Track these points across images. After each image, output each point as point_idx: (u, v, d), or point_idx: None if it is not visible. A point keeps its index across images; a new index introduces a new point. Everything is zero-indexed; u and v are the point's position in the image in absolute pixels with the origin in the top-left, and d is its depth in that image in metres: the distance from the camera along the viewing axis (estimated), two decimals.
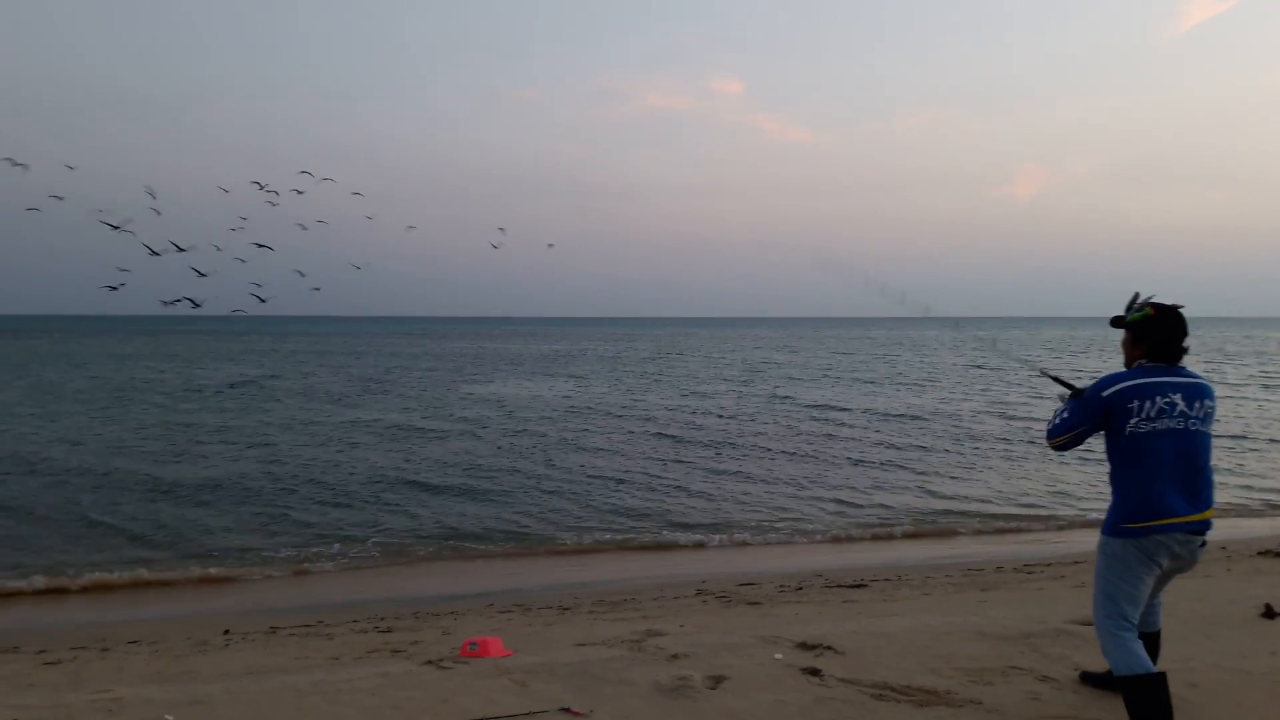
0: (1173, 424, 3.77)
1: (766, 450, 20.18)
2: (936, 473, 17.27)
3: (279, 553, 11.39)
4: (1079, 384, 4.12)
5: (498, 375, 45.64)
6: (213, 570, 10.64)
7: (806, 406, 29.20)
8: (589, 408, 29.33)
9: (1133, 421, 3.77)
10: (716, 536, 12.51)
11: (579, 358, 63.44)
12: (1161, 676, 3.75)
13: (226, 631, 7.60)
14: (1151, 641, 4.20)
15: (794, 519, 13.59)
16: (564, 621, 7.23)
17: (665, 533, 12.69)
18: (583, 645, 5.60)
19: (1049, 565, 9.61)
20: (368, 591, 9.79)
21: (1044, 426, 4.21)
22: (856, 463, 18.50)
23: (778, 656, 5.11)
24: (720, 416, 26.59)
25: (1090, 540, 4.13)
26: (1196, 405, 3.81)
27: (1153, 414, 3.76)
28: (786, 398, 32.22)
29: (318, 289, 18.97)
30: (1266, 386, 36.40)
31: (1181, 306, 3.94)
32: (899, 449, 20.27)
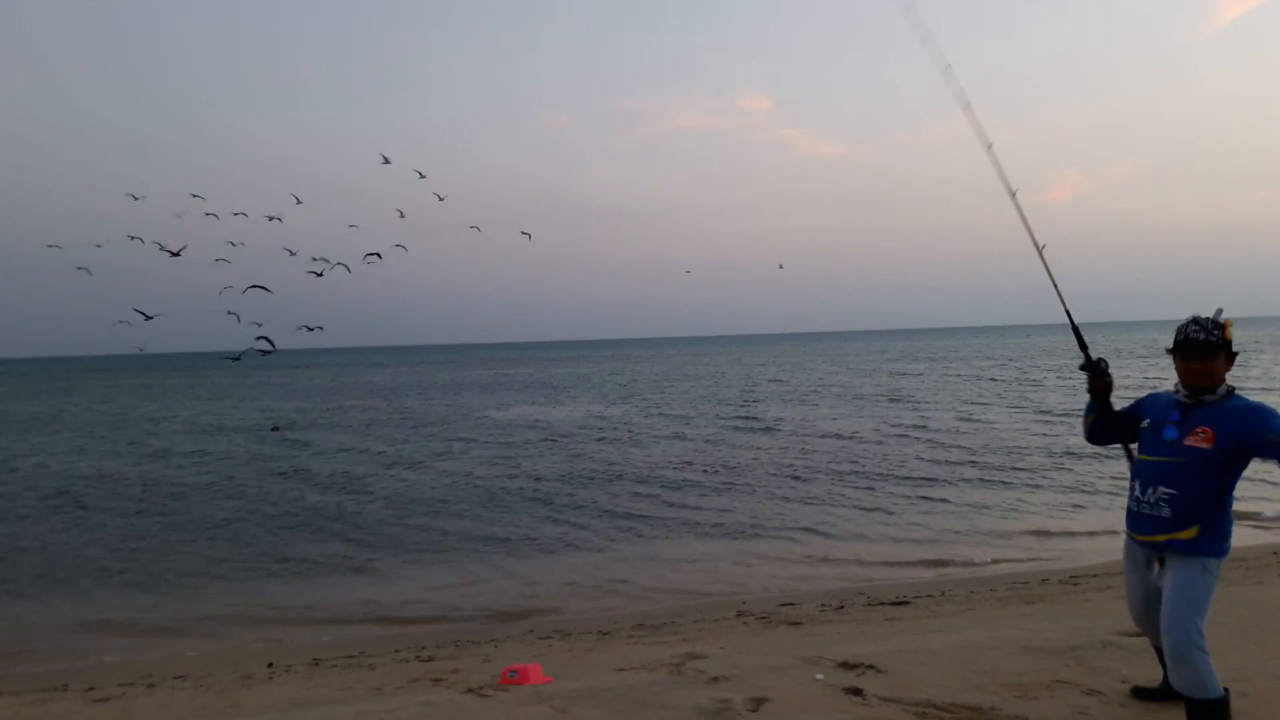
0: None
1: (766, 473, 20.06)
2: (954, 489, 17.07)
3: (317, 584, 11.49)
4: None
5: (521, 400, 45.80)
6: (254, 607, 10.76)
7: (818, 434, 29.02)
8: (609, 428, 29.34)
9: None
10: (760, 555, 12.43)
11: (595, 380, 63.76)
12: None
13: (270, 664, 7.67)
14: None
15: (835, 536, 13.48)
16: (604, 646, 7.23)
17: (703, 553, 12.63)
18: (623, 670, 5.59)
19: (1095, 576, 9.46)
20: (409, 621, 9.81)
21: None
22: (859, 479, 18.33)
23: (819, 677, 5.08)
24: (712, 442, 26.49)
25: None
26: None
27: None
28: (749, 418, 32.01)
29: (377, 252, 18.85)
30: None
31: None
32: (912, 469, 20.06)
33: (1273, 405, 3.79)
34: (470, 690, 5.25)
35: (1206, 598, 3.75)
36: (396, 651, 7.89)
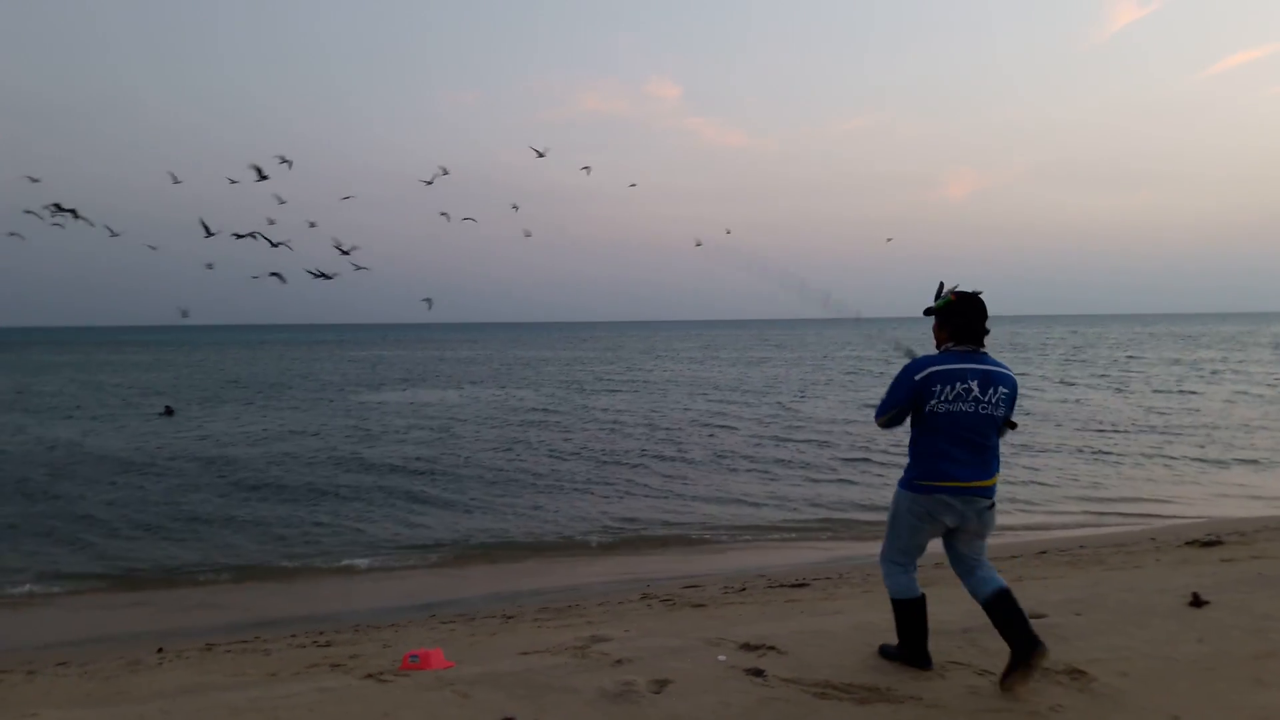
0: (965, 407, 4.34)
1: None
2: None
3: (214, 568, 11.14)
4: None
5: (402, 384, 45.15)
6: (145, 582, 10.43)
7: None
8: (501, 414, 29.19)
9: (932, 402, 4.37)
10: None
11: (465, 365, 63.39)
12: (923, 599, 4.81)
13: (160, 649, 7.42)
14: (1005, 599, 4.56)
15: (742, 520, 13.66)
16: (508, 630, 7.17)
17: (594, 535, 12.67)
18: (526, 654, 5.55)
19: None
20: (308, 606, 9.59)
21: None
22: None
23: (721, 658, 5.12)
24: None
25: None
26: (990, 391, 4.36)
27: (950, 397, 4.34)
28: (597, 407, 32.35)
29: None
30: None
31: (980, 292, 4.51)
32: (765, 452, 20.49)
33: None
34: (369, 676, 5.14)
35: (893, 526, 4.76)
36: (293, 636, 7.70)
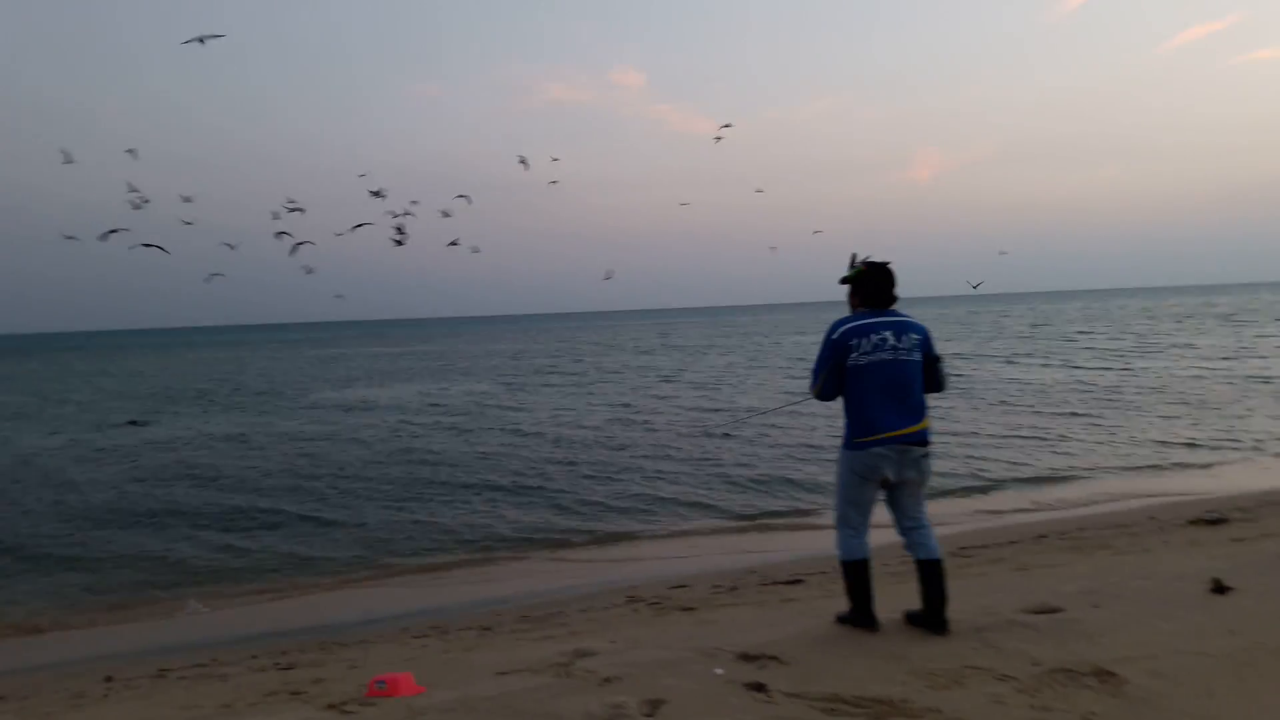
0: (885, 355, 4.67)
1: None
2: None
3: (176, 582, 10.60)
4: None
5: (379, 381, 44.60)
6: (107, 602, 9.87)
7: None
8: (467, 411, 28.69)
9: (854, 355, 4.69)
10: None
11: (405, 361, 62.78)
12: (866, 562, 5.04)
13: (108, 679, 6.87)
14: (932, 569, 4.97)
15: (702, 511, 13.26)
16: (485, 644, 6.69)
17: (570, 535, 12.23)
18: (504, 674, 5.09)
19: (984, 547, 9.36)
20: (271, 621, 9.06)
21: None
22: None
23: (718, 672, 4.69)
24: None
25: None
26: (904, 338, 4.72)
27: (869, 348, 4.67)
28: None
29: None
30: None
31: (889, 262, 4.87)
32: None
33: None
34: (331, 706, 4.66)
35: (839, 488, 4.97)
36: (254, 658, 7.17)
